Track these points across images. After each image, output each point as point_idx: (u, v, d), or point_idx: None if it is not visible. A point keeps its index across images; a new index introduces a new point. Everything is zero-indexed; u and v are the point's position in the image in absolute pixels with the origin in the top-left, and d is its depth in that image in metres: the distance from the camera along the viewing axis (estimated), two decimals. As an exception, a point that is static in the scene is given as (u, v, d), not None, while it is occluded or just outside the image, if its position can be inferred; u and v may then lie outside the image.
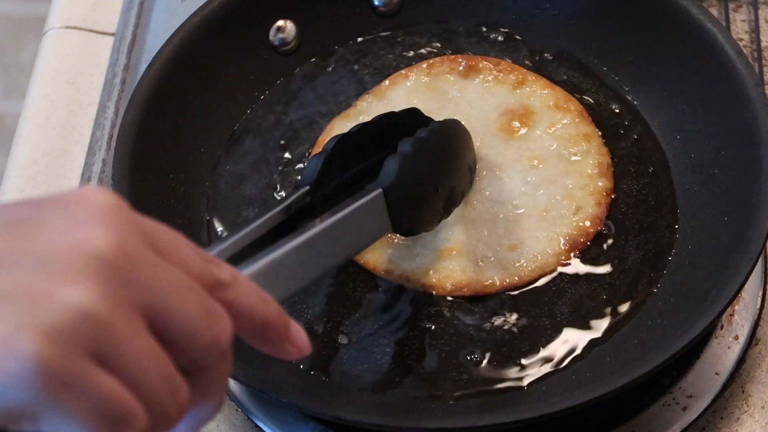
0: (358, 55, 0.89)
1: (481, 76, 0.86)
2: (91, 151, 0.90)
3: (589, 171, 0.81)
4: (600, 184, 0.81)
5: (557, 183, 0.81)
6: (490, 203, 0.80)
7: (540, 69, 0.87)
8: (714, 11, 0.93)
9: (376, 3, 0.89)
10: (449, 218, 0.78)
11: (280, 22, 0.87)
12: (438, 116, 0.81)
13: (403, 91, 0.85)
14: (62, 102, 0.94)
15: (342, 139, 0.73)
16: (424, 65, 0.86)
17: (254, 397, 0.76)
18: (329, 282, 0.78)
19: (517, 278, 0.77)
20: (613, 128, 0.84)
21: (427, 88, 0.85)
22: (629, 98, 0.85)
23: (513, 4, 0.89)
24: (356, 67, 0.88)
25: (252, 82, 0.87)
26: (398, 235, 0.76)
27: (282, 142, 0.85)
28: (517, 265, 0.77)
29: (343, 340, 0.76)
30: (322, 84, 0.87)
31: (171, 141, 0.82)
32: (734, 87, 0.78)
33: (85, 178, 0.89)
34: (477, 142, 0.82)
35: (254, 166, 0.84)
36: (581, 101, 0.85)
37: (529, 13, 0.88)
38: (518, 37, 0.88)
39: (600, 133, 0.83)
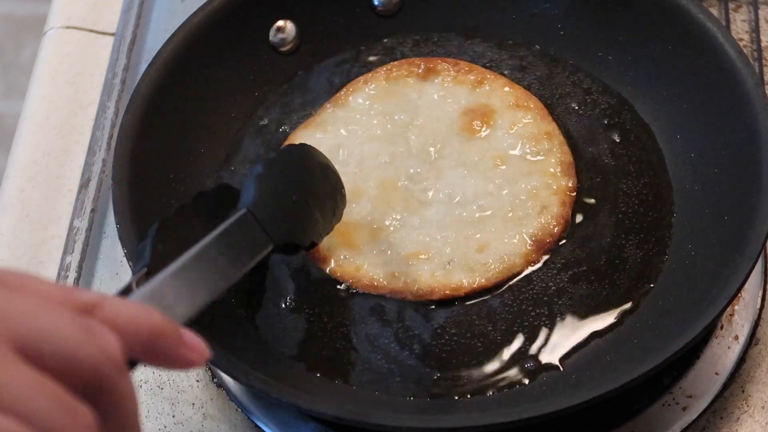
0: (358, 55, 0.89)
1: (440, 78, 0.86)
2: (91, 151, 0.90)
3: (552, 170, 0.81)
4: (563, 183, 0.81)
5: (521, 183, 0.81)
6: (455, 205, 0.80)
7: (539, 68, 0.87)
8: (714, 11, 0.93)
9: (376, 3, 0.89)
10: (414, 221, 0.79)
11: (280, 22, 0.87)
12: (400, 119, 0.82)
13: (364, 98, 0.85)
14: (62, 102, 0.94)
15: (164, 220, 0.69)
16: (383, 70, 0.86)
17: (254, 397, 0.76)
18: (328, 284, 0.78)
19: (484, 280, 0.77)
20: (613, 128, 0.84)
21: (387, 93, 0.85)
22: (629, 98, 0.85)
23: (512, 4, 0.88)
24: (356, 67, 0.88)
25: (252, 82, 0.87)
26: (288, 250, 0.73)
27: (282, 142, 0.85)
28: (485, 267, 0.77)
29: (343, 340, 0.76)
30: (322, 84, 0.87)
31: (171, 141, 0.82)
32: (734, 87, 0.78)
33: (85, 178, 0.89)
34: (439, 144, 0.82)
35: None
36: (581, 101, 0.85)
37: (528, 13, 0.88)
38: (518, 37, 0.88)
39: (596, 132, 0.83)
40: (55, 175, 0.90)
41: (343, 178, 0.79)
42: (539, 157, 0.82)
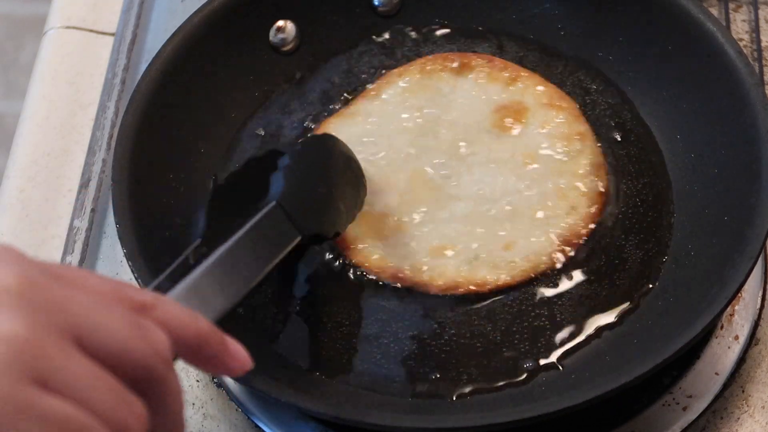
0: (358, 55, 0.89)
1: (474, 73, 0.85)
2: (91, 151, 0.90)
3: (582, 171, 0.81)
4: (593, 183, 0.80)
5: (550, 182, 0.80)
6: (483, 201, 0.80)
7: (539, 68, 0.87)
8: (714, 11, 0.92)
9: (376, 3, 0.89)
10: (442, 215, 0.78)
11: (280, 22, 0.87)
12: (431, 113, 0.82)
13: (397, 90, 0.85)
14: (62, 102, 0.94)
15: (217, 189, 0.73)
16: (417, 64, 0.86)
17: (254, 397, 0.76)
18: (328, 284, 0.78)
19: (510, 278, 0.77)
20: (613, 128, 0.84)
21: (420, 87, 0.85)
22: (629, 98, 0.85)
23: (512, 4, 0.89)
24: (357, 67, 0.88)
25: (252, 82, 0.87)
26: (317, 240, 0.74)
27: (282, 142, 0.85)
28: (511, 264, 0.77)
29: (343, 340, 0.76)
30: (323, 84, 0.87)
31: (171, 141, 0.82)
32: (734, 87, 0.78)
33: (85, 178, 0.89)
34: (470, 139, 0.82)
35: (254, 166, 0.84)
36: (581, 101, 0.85)
37: (528, 13, 0.88)
38: (518, 37, 0.88)
39: (596, 132, 0.83)
40: (55, 175, 0.90)
41: (372, 170, 0.79)
42: (570, 157, 0.81)
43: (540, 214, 0.79)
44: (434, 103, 0.84)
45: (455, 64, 0.86)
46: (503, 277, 0.77)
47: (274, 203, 0.70)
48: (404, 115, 0.84)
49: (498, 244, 0.78)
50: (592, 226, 0.79)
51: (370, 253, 0.78)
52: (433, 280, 0.77)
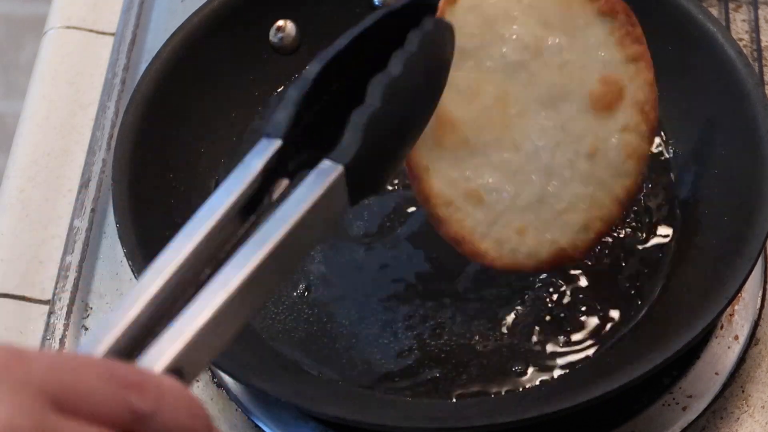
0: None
1: (612, 24, 0.74)
2: (91, 151, 0.90)
3: (619, 195, 0.74)
4: (614, 213, 0.74)
5: (590, 188, 0.73)
6: (533, 166, 0.73)
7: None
8: (714, 11, 0.92)
9: (376, 3, 0.89)
10: (498, 156, 0.72)
11: (280, 22, 0.87)
12: (553, 42, 0.73)
13: None
14: (62, 102, 0.94)
15: (325, 66, 0.59)
16: None
17: (254, 397, 0.76)
18: (327, 284, 0.78)
19: (502, 265, 0.73)
20: (613, 128, 0.84)
21: (557, 3, 0.74)
22: (629, 98, 0.85)
23: (513, 4, 0.88)
24: (356, 67, 0.88)
25: (252, 82, 0.87)
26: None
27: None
28: (512, 252, 0.73)
29: (343, 340, 0.76)
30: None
31: (171, 141, 0.82)
32: (734, 87, 0.78)
33: (85, 178, 0.89)
34: (567, 93, 0.73)
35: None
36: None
37: (529, 13, 0.88)
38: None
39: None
40: (55, 175, 0.90)
41: (470, 66, 0.72)
42: (620, 174, 0.74)
43: (560, 216, 0.73)
44: (561, 30, 0.74)
45: (602, 3, 0.73)
46: (497, 262, 0.72)
47: (341, 170, 0.55)
48: (528, 26, 0.73)
49: (516, 221, 0.73)
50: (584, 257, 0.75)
51: (418, 149, 0.71)
52: (448, 222, 0.72)
